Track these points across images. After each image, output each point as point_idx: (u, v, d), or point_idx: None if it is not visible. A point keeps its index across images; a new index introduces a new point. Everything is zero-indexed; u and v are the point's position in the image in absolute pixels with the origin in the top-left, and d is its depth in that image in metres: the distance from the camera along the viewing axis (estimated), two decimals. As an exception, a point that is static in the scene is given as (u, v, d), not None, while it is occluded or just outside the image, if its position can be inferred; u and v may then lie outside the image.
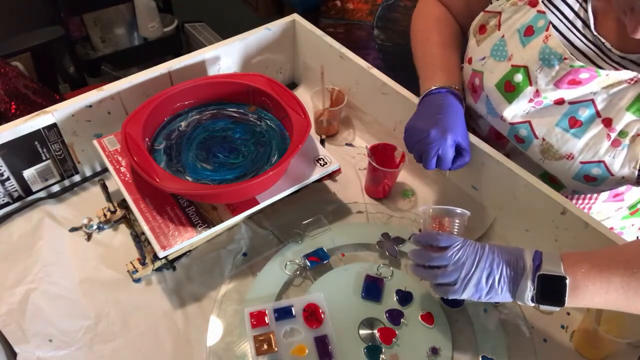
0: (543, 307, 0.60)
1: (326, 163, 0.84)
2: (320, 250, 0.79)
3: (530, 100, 0.73)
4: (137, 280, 0.77)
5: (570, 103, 0.71)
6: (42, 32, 1.53)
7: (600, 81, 0.68)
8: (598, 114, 0.69)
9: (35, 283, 0.75)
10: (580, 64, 0.68)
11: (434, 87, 0.79)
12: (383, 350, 0.69)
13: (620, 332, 0.66)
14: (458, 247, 0.62)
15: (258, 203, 0.78)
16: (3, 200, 0.83)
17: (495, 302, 0.74)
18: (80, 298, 0.74)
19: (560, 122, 0.72)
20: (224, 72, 0.99)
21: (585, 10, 0.70)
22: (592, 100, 0.69)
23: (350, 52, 0.97)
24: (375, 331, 0.71)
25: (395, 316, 0.72)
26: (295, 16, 1.05)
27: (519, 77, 0.73)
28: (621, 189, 0.79)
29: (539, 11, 0.72)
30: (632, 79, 0.66)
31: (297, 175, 0.82)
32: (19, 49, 1.51)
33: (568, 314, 0.75)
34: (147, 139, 0.81)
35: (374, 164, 0.83)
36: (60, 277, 0.76)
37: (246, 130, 0.86)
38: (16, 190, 0.84)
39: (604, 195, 0.79)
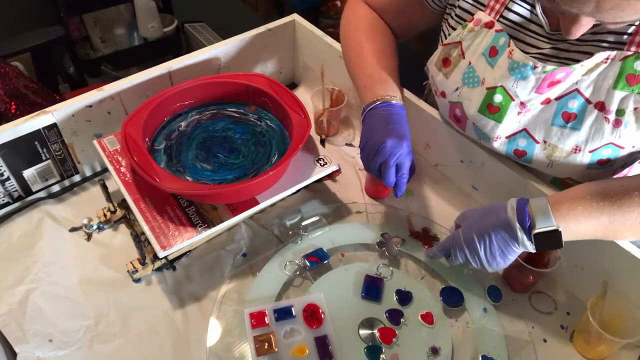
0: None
1: (326, 163, 0.84)
2: (320, 251, 0.79)
3: (519, 113, 0.72)
4: (137, 280, 0.77)
5: (557, 99, 0.70)
6: (42, 32, 1.53)
7: (579, 71, 0.68)
8: (588, 101, 0.68)
9: (35, 283, 0.75)
10: (552, 67, 0.68)
11: (377, 101, 0.79)
12: (383, 350, 0.69)
13: (620, 332, 0.66)
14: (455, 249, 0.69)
15: (258, 203, 0.78)
16: (3, 200, 0.83)
17: (496, 301, 0.74)
18: (80, 298, 0.74)
19: (554, 120, 0.71)
20: (224, 72, 0.99)
21: (536, 15, 0.70)
22: (577, 90, 0.69)
23: (350, 52, 0.96)
24: (375, 331, 0.71)
25: (395, 316, 0.72)
26: (295, 16, 1.05)
27: (498, 98, 0.72)
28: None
29: (497, 30, 0.73)
30: (606, 59, 0.66)
31: (297, 175, 0.82)
32: (19, 49, 1.51)
33: (568, 313, 0.76)
34: (147, 139, 0.81)
35: (374, 164, 0.83)
36: (60, 277, 0.76)
37: (246, 130, 0.86)
38: (16, 190, 0.84)
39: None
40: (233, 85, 0.88)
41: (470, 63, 0.76)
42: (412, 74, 0.88)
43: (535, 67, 0.69)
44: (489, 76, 0.73)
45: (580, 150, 0.71)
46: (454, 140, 0.83)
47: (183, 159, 0.81)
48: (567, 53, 0.69)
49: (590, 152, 0.70)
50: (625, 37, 0.65)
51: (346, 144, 1.00)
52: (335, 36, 1.00)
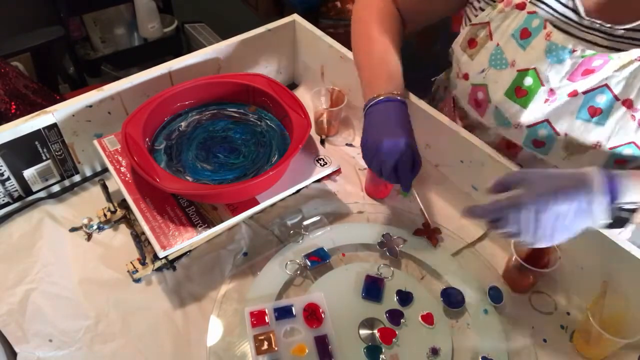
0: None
1: (326, 163, 0.84)
2: (321, 250, 0.79)
3: (546, 101, 0.71)
4: (137, 280, 0.77)
5: (585, 93, 0.69)
6: (42, 32, 1.53)
7: (613, 65, 0.66)
8: (616, 97, 0.68)
9: (35, 283, 0.75)
10: (592, 52, 0.67)
11: (379, 97, 0.76)
12: (383, 350, 0.69)
13: (620, 332, 0.66)
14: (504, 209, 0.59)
15: (258, 203, 0.78)
16: (3, 200, 0.83)
17: (497, 302, 0.74)
18: (80, 298, 0.74)
19: (580, 114, 0.70)
20: (224, 72, 0.99)
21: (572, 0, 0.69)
22: (607, 85, 0.67)
23: (350, 53, 0.96)
24: (376, 331, 0.71)
25: (395, 316, 0.72)
26: (295, 16, 1.05)
27: (529, 81, 0.71)
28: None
29: (529, 12, 0.71)
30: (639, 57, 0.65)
31: (297, 175, 0.82)
32: (19, 49, 1.51)
33: (568, 313, 0.75)
34: (147, 139, 0.81)
35: (374, 164, 0.83)
36: (60, 277, 0.76)
37: (246, 130, 0.86)
38: (16, 190, 0.84)
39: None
40: (233, 85, 0.88)
41: (498, 44, 0.74)
42: (413, 74, 0.88)
43: (574, 51, 0.67)
44: (519, 58, 0.72)
45: (600, 146, 0.70)
46: (454, 140, 0.83)
47: (183, 159, 0.81)
48: (604, 41, 0.68)
49: (611, 149, 0.69)
50: None
51: (346, 144, 1.00)
52: (335, 36, 1.00)
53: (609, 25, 0.67)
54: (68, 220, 0.84)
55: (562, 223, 0.57)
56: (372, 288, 0.75)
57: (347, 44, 0.99)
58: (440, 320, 0.72)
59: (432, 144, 0.89)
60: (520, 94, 0.72)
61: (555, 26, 0.70)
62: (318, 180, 0.85)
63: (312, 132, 0.97)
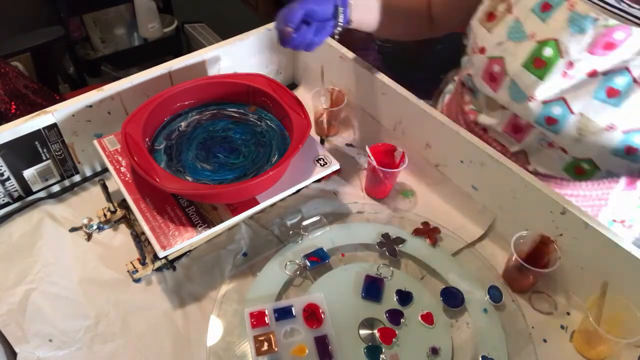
0: None
1: (326, 163, 0.84)
2: (321, 251, 0.79)
3: (564, 74, 0.70)
4: (137, 280, 0.77)
5: (604, 74, 0.69)
6: (42, 32, 1.53)
7: (635, 44, 0.66)
8: (635, 80, 0.67)
9: (35, 283, 0.75)
10: (615, 22, 0.66)
11: None
12: (383, 350, 0.69)
13: (620, 332, 0.66)
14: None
15: (258, 203, 0.78)
16: (3, 200, 0.83)
17: (496, 301, 0.74)
18: (80, 298, 0.74)
19: (597, 94, 0.69)
20: (224, 72, 0.99)
21: None
22: (627, 68, 0.67)
23: (351, 53, 0.97)
24: (375, 331, 0.71)
25: (395, 316, 0.72)
26: (295, 16, 1.05)
27: (548, 51, 0.71)
28: (635, 175, 0.79)
29: None
30: None
31: (297, 175, 0.82)
32: (19, 49, 1.51)
33: (568, 313, 0.75)
34: (147, 139, 0.81)
35: (374, 164, 0.84)
36: (60, 277, 0.76)
37: (246, 130, 0.86)
38: (16, 190, 0.84)
39: (621, 184, 0.79)
40: (233, 85, 0.88)
41: (517, 18, 0.74)
42: (416, 75, 0.88)
43: (596, 19, 0.67)
44: (539, 30, 0.72)
45: (614, 128, 0.69)
46: (454, 140, 0.83)
47: (183, 159, 0.81)
48: (627, 15, 0.67)
49: (624, 132, 0.69)
50: None
51: (346, 144, 1.00)
52: (342, 36, 1.00)
53: (637, 6, 0.66)
54: (68, 220, 0.84)
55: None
56: (372, 288, 0.75)
57: (347, 44, 0.99)
58: (440, 320, 0.72)
59: (432, 144, 0.89)
60: (538, 64, 0.72)
61: None
62: (318, 180, 0.85)
63: (312, 132, 0.97)
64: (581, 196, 0.82)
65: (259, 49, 1.02)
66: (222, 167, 0.80)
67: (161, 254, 0.71)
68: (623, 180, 0.79)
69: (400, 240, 0.81)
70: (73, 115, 0.83)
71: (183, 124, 0.86)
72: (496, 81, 0.78)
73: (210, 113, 0.89)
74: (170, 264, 0.78)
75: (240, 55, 1.00)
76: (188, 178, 0.78)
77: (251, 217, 0.84)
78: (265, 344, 0.68)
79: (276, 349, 0.68)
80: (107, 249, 0.81)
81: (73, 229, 0.83)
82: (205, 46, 0.97)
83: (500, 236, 0.84)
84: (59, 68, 1.95)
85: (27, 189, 0.85)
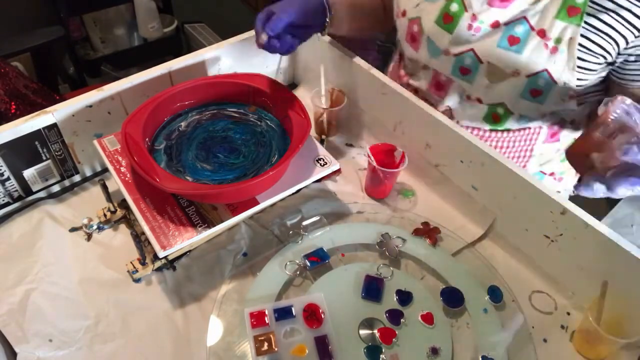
0: None
1: (326, 163, 0.84)
2: (320, 251, 0.79)
3: (469, 27, 0.79)
4: (137, 280, 0.77)
5: (505, 24, 0.77)
6: (42, 32, 1.53)
7: None
8: (532, 27, 0.76)
9: (35, 283, 0.75)
10: None
11: None
12: (383, 350, 0.69)
13: (620, 332, 0.66)
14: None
15: (258, 203, 0.78)
16: (3, 200, 0.83)
17: (496, 301, 0.74)
18: (80, 298, 0.74)
19: (500, 43, 0.78)
20: (224, 72, 0.99)
21: None
22: (525, 17, 0.76)
23: (351, 53, 0.97)
24: (376, 331, 0.71)
25: (395, 316, 0.72)
26: (295, 16, 1.05)
27: (454, 7, 0.80)
28: (555, 127, 0.87)
29: None
30: None
31: (297, 175, 0.82)
32: (19, 49, 1.51)
33: (568, 313, 0.76)
34: (147, 139, 0.81)
35: (374, 164, 0.84)
36: (60, 277, 0.76)
37: (246, 130, 0.86)
38: (16, 190, 0.84)
39: (543, 135, 0.86)
40: (233, 85, 0.88)
41: None
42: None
43: None
44: None
45: (518, 74, 0.78)
46: (454, 140, 0.83)
47: (183, 159, 0.81)
48: None
49: (527, 76, 0.77)
50: None
51: (346, 144, 1.00)
52: (335, 36, 1.00)
53: None
54: (68, 220, 0.84)
55: None
56: (372, 288, 0.75)
57: (347, 44, 0.99)
58: (440, 319, 0.72)
59: (432, 144, 0.89)
60: (447, 20, 0.81)
61: None
62: (318, 180, 0.85)
63: (312, 132, 0.97)
64: (505, 147, 0.89)
65: (259, 49, 1.02)
66: (222, 167, 0.80)
67: (161, 254, 0.71)
68: (545, 132, 0.87)
69: (400, 241, 0.81)
70: (73, 115, 0.83)
71: (183, 124, 0.86)
72: (416, 41, 0.86)
73: (210, 113, 0.89)
74: (170, 264, 0.78)
75: (240, 55, 1.00)
76: (188, 178, 0.78)
77: (251, 217, 0.84)
78: (265, 343, 0.68)
79: (276, 349, 0.68)
80: (107, 249, 0.81)
81: (73, 229, 0.83)
82: (205, 46, 0.97)
83: (500, 236, 0.84)
84: (59, 68, 1.95)
85: (27, 189, 0.85)
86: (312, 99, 0.98)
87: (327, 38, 1.00)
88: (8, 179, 0.82)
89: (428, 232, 0.83)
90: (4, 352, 0.68)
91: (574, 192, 0.74)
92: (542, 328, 0.74)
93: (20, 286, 0.74)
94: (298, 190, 0.84)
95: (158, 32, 2.18)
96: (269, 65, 1.07)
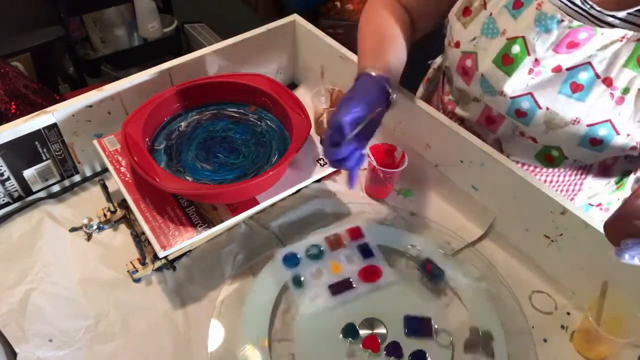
0: None
1: (326, 163, 0.84)
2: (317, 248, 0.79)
3: (530, 71, 0.73)
4: (137, 280, 0.77)
5: (568, 69, 0.72)
6: (42, 32, 1.53)
7: (597, 41, 0.69)
8: (597, 75, 0.70)
9: (35, 283, 0.75)
10: (578, 23, 0.69)
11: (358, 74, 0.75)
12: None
13: (620, 332, 0.66)
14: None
15: (258, 203, 0.78)
16: (3, 200, 0.83)
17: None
18: (80, 298, 0.74)
19: (562, 89, 0.72)
20: (224, 72, 0.99)
21: None
22: (590, 63, 0.70)
23: (351, 53, 0.96)
24: (375, 330, 0.71)
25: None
26: (295, 16, 1.05)
27: (516, 49, 0.73)
28: (609, 161, 0.82)
29: None
30: (622, 37, 0.68)
31: (297, 175, 0.82)
32: (19, 49, 1.51)
33: (568, 313, 0.75)
34: (147, 139, 0.81)
35: (374, 164, 0.83)
36: (60, 277, 0.76)
37: (246, 130, 0.86)
38: (16, 190, 0.84)
39: (594, 170, 0.82)
40: (233, 85, 0.88)
41: (491, 14, 0.76)
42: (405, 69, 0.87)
43: (562, 21, 0.69)
44: (510, 27, 0.74)
45: (579, 122, 0.72)
46: (454, 140, 0.83)
47: (183, 159, 0.81)
48: (589, 21, 0.70)
49: (588, 125, 0.72)
50: None
51: (346, 144, 1.00)
52: (335, 36, 1.00)
53: (597, 7, 0.69)
54: (68, 220, 0.84)
55: None
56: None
57: (347, 43, 0.99)
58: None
59: (432, 144, 0.89)
60: (506, 61, 0.75)
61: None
62: (318, 180, 0.85)
63: (312, 132, 0.96)
64: (554, 181, 0.84)
65: (259, 49, 1.02)
66: (222, 167, 0.80)
67: (161, 254, 0.71)
68: (596, 167, 0.83)
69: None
70: (73, 115, 0.83)
71: (183, 124, 0.86)
72: (468, 75, 0.81)
73: (210, 113, 0.89)
74: (170, 264, 0.78)
75: (240, 55, 1.00)
76: (188, 178, 0.78)
77: (251, 217, 0.84)
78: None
79: None
80: (107, 249, 0.81)
81: (73, 229, 0.83)
82: (205, 46, 0.97)
83: (500, 236, 0.84)
84: (59, 68, 1.95)
85: (27, 189, 0.85)
86: (312, 99, 0.98)
87: (327, 38, 1.00)
88: (8, 179, 0.82)
89: (426, 271, 0.79)
90: (4, 352, 0.68)
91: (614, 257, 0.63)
92: (542, 328, 0.74)
93: (20, 286, 0.74)
94: (298, 190, 0.84)
95: (158, 32, 2.18)
96: (268, 66, 1.07)
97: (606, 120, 0.71)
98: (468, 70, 0.80)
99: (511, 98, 0.76)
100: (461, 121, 0.89)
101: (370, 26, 0.86)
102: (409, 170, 0.93)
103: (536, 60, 0.72)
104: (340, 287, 0.75)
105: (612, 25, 0.68)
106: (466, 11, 0.80)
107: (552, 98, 0.73)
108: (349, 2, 2.01)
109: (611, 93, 0.70)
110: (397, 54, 0.80)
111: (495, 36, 0.76)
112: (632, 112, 0.70)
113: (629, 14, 0.67)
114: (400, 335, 0.71)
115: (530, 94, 0.74)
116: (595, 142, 0.73)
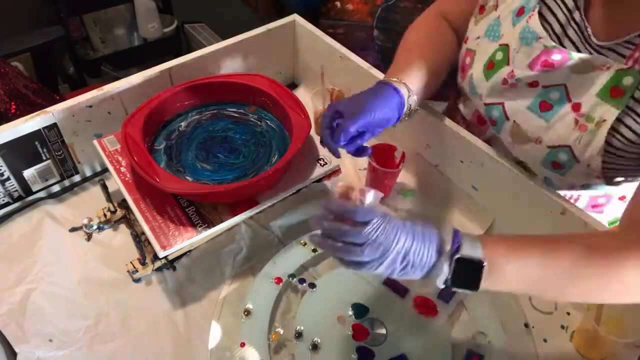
0: (457, 290, 0.55)
1: (326, 163, 0.84)
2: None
3: (505, 81, 0.73)
4: (137, 280, 0.77)
5: (544, 87, 0.70)
6: (42, 32, 1.53)
7: (572, 65, 0.67)
8: (568, 98, 0.68)
9: (35, 283, 0.75)
10: (553, 44, 0.68)
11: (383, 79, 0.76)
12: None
13: (620, 332, 0.66)
14: (377, 224, 0.53)
15: (258, 203, 0.78)
16: (3, 200, 0.83)
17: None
18: (80, 298, 0.74)
19: (531, 105, 0.71)
20: (224, 72, 0.99)
21: None
22: (565, 85, 0.68)
23: (350, 53, 0.97)
24: (374, 331, 0.71)
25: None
26: (295, 16, 1.05)
27: (499, 56, 0.74)
28: (601, 200, 0.79)
29: None
30: (604, 65, 0.65)
31: (297, 175, 0.82)
32: (19, 49, 1.51)
33: (568, 313, 0.75)
34: (147, 139, 0.81)
35: (374, 164, 0.83)
36: (60, 277, 0.76)
37: (246, 130, 0.86)
38: (16, 190, 0.84)
39: (583, 201, 0.79)
40: (233, 85, 0.89)
41: (498, 17, 0.76)
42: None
43: (540, 38, 0.68)
44: (507, 34, 0.74)
45: (540, 142, 0.71)
46: (454, 140, 0.83)
47: (183, 159, 0.81)
48: (580, 44, 0.68)
49: (549, 147, 0.71)
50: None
51: (346, 144, 1.00)
52: (335, 36, 1.00)
53: (590, 33, 0.67)
54: (68, 220, 0.84)
55: (418, 257, 0.54)
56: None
57: (347, 43, 0.99)
58: (439, 313, 0.72)
59: (432, 144, 0.89)
60: (490, 66, 0.75)
61: (548, 8, 0.70)
62: (318, 180, 0.85)
63: (312, 132, 0.96)
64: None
65: (259, 49, 1.02)
66: (222, 167, 0.80)
67: (161, 254, 0.71)
68: (584, 201, 0.79)
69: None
70: (73, 115, 0.83)
71: (183, 124, 0.86)
72: (464, 71, 0.81)
73: (210, 113, 0.89)
74: (170, 264, 0.78)
75: (240, 55, 1.00)
76: (188, 178, 0.78)
77: (251, 217, 0.84)
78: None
79: None
80: (107, 249, 0.81)
81: (73, 229, 0.83)
82: (205, 46, 0.97)
83: (500, 236, 0.84)
84: (59, 68, 1.95)
85: (27, 189, 0.85)
86: (312, 99, 0.98)
87: (327, 38, 1.00)
88: (8, 179, 0.82)
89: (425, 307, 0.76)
90: (4, 352, 0.68)
91: None
92: (542, 328, 0.74)
93: (20, 286, 0.74)
94: (298, 190, 0.84)
95: (158, 32, 2.18)
96: (268, 66, 1.07)
97: (566, 146, 0.69)
98: (465, 67, 0.80)
99: (485, 104, 0.76)
100: (463, 118, 0.89)
101: (411, 40, 0.85)
102: (409, 170, 0.93)
103: (512, 72, 0.72)
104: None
105: (598, 52, 0.67)
106: (482, 9, 0.80)
107: (520, 112, 0.73)
108: (349, 2, 2.02)
109: (576, 119, 0.68)
110: (429, 69, 0.78)
111: (496, 40, 0.75)
112: (590, 141, 0.67)
113: (617, 44, 0.65)
114: (401, 335, 0.71)
115: (502, 103, 0.75)
116: (556, 166, 0.72)
